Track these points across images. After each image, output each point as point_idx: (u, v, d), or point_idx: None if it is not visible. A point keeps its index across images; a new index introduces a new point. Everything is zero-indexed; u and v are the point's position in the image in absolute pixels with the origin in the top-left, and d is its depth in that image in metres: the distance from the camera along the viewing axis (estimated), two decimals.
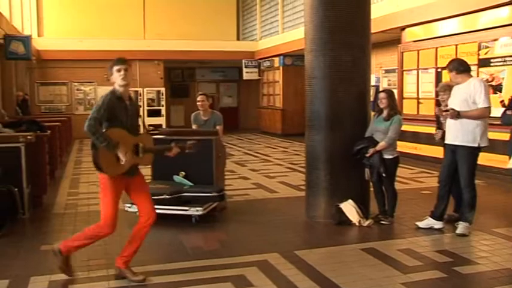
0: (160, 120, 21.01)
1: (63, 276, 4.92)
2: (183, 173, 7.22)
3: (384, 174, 6.56)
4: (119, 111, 4.62)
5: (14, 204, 6.93)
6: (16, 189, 6.98)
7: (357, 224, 6.57)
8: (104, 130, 4.52)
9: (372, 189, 6.95)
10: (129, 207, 6.92)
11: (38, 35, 21.48)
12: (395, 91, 8.62)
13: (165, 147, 5.12)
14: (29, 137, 7.42)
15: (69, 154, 15.16)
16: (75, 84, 21.37)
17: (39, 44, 19.88)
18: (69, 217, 7.34)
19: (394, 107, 6.73)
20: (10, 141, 7.34)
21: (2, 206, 6.61)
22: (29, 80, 20.13)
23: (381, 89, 14.13)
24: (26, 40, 15.62)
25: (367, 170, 6.70)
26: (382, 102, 6.68)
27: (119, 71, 4.66)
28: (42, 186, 8.22)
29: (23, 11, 19.78)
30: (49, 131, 9.53)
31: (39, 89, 20.95)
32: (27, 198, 7.31)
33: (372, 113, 7.05)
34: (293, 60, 20.34)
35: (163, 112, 21.40)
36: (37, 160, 7.91)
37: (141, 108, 21.02)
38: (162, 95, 21.52)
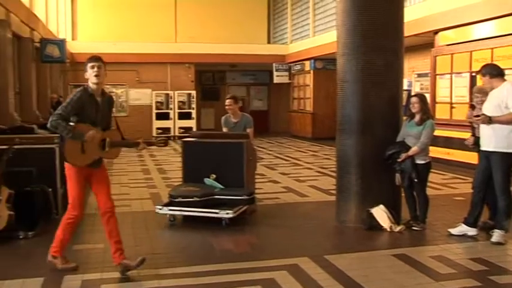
0: (191, 123, 21.15)
1: (96, 276, 5.00)
2: (214, 175, 7.24)
3: (415, 180, 6.48)
4: (88, 107, 4.89)
5: (48, 204, 7.04)
6: (50, 190, 7.10)
7: (388, 229, 6.49)
8: (72, 124, 4.77)
9: (403, 194, 6.86)
10: (160, 209, 6.98)
11: (72, 39, 21.88)
12: (427, 95, 8.50)
13: (133, 142, 5.26)
14: None
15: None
16: (107, 86, 21.54)
17: (73, 47, 20.23)
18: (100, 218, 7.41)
19: (427, 112, 6.63)
20: (45, 142, 7.46)
21: (36, 205, 6.72)
22: (63, 82, 20.49)
23: (413, 93, 13.97)
24: (60, 43, 15.93)
25: (397, 175, 6.62)
26: (414, 107, 6.60)
27: (92, 67, 4.91)
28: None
29: (58, 16, 20.16)
30: None
31: (72, 91, 21.28)
32: (61, 199, 7.43)
33: (404, 118, 6.97)
34: (324, 64, 20.27)
35: (193, 115, 21.53)
36: None
37: (172, 111, 21.22)
38: (193, 98, 21.66)
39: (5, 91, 10.49)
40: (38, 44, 14.87)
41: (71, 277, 4.95)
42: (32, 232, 6.34)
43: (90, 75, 4.92)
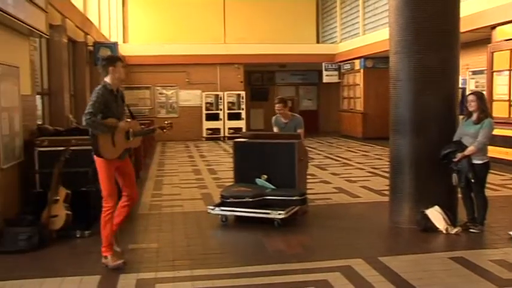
0: (241, 124, 21.22)
1: (150, 275, 5.07)
2: (265, 176, 7.23)
3: (472, 180, 6.28)
4: (110, 102, 5.24)
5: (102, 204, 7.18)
6: None
7: (444, 231, 6.32)
8: (102, 120, 5.15)
9: (460, 195, 6.67)
10: (212, 209, 7.02)
11: (124, 42, 22.31)
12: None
13: (150, 129, 6.09)
14: None
15: (152, 156, 15.61)
16: (158, 88, 22.01)
17: (124, 49, 20.61)
18: (154, 218, 7.54)
19: (485, 110, 6.41)
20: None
21: (92, 205, 6.87)
22: None
23: (467, 91, 13.59)
24: (113, 46, 16.27)
25: (454, 176, 6.43)
26: (471, 105, 6.40)
27: (123, 67, 5.45)
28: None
29: (110, 20, 20.61)
30: None
31: (123, 93, 21.71)
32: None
33: (460, 117, 6.78)
34: (374, 63, 19.97)
35: (243, 115, 21.60)
36: None
37: (221, 112, 21.36)
38: (242, 98, 21.73)
39: (61, 94, 10.78)
40: (91, 48, 15.23)
41: (127, 276, 5.04)
42: (88, 231, 6.49)
43: (121, 73, 5.36)
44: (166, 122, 5.85)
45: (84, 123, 5.11)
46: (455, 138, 6.49)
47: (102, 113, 5.13)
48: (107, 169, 5.25)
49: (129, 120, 5.54)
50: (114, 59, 5.47)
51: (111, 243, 5.35)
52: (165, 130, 5.80)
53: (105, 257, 5.31)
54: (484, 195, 6.43)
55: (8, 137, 6.75)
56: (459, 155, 6.29)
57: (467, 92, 13.32)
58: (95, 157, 5.27)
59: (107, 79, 5.30)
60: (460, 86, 13.60)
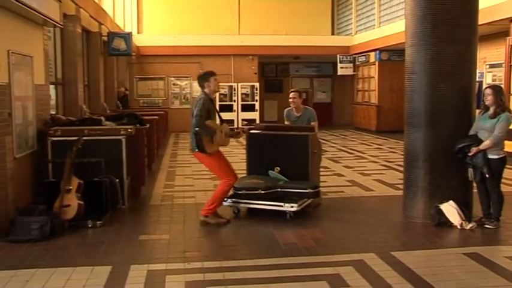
0: (254, 115, 21.12)
1: (161, 266, 5.06)
2: (278, 168, 7.19)
3: (487, 175, 6.18)
4: (211, 109, 6.48)
5: (115, 194, 7.20)
6: (117, 180, 7.24)
7: (459, 226, 6.24)
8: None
9: (475, 190, 6.58)
10: (224, 201, 6.98)
11: (138, 32, 22.29)
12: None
13: (235, 132, 6.99)
14: (129, 130, 7.67)
15: (165, 147, 15.61)
16: (172, 79, 21.98)
17: (139, 40, 20.62)
18: (166, 209, 7.53)
19: (502, 104, 6.28)
20: (112, 133, 7.62)
21: (104, 196, 6.88)
22: (129, 74, 20.95)
23: (484, 85, 13.41)
24: (127, 37, 16.24)
25: (470, 170, 6.34)
26: (488, 99, 6.29)
27: (216, 80, 6.60)
28: (140, 178, 8.49)
29: (125, 10, 20.60)
30: (148, 125, 9.81)
31: (137, 84, 21.75)
32: (127, 189, 7.58)
33: (477, 110, 6.67)
34: (390, 55, 19.77)
35: (257, 107, 21.52)
36: (136, 152, 8.18)
37: (235, 103, 21.31)
38: (256, 90, 21.64)
39: (75, 84, 10.78)
40: (105, 38, 15.23)
41: (138, 267, 5.03)
42: (100, 222, 6.50)
43: (216, 86, 6.62)
44: (242, 129, 7.25)
45: (195, 124, 6.24)
46: (471, 132, 6.39)
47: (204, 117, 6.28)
48: (217, 158, 6.56)
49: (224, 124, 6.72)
50: (207, 75, 6.59)
51: (215, 208, 6.58)
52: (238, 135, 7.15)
53: (206, 217, 6.52)
54: (500, 190, 6.34)
55: (21, 127, 6.76)
56: (474, 149, 6.20)
57: (484, 86, 13.16)
58: (198, 154, 6.49)
59: (206, 90, 6.53)
60: (477, 79, 13.49)
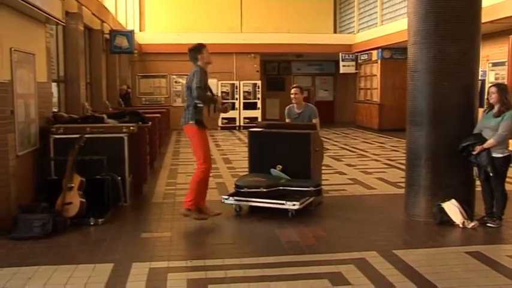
0: (256, 113, 21.14)
1: (162, 264, 5.06)
2: (280, 166, 7.18)
3: (491, 174, 6.17)
4: (206, 81, 6.30)
5: (117, 192, 7.20)
6: (119, 178, 7.25)
7: (461, 225, 6.23)
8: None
9: (478, 189, 6.56)
10: (226, 199, 6.99)
11: (140, 30, 22.29)
12: None
13: (224, 107, 6.77)
14: (131, 128, 7.67)
15: (167, 145, 15.61)
16: (174, 76, 21.97)
17: (141, 38, 20.61)
18: (168, 206, 7.53)
19: (507, 103, 6.24)
20: (114, 131, 7.62)
21: (106, 193, 6.88)
22: (131, 72, 20.95)
23: (487, 83, 13.40)
24: (129, 35, 16.23)
25: (475, 169, 6.33)
26: (492, 98, 6.27)
27: (208, 51, 6.45)
28: (142, 176, 8.49)
29: (127, 7, 20.59)
30: (150, 123, 9.80)
31: (140, 82, 21.75)
32: (129, 187, 7.58)
33: (480, 109, 6.65)
34: (392, 53, 19.76)
35: (259, 105, 21.52)
36: (138, 150, 8.18)
37: (237, 101, 21.30)
38: (258, 88, 21.63)
39: (77, 82, 10.78)
40: (107, 36, 15.23)
41: (139, 264, 5.04)
42: (102, 219, 6.50)
43: (208, 57, 6.46)
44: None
45: (196, 95, 6.12)
46: (476, 130, 6.38)
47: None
48: (202, 135, 6.28)
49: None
50: (199, 47, 6.42)
51: (197, 201, 6.33)
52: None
53: (188, 210, 6.30)
54: (504, 189, 6.32)
55: (23, 124, 6.76)
56: (478, 148, 6.19)
57: (487, 84, 13.14)
58: (191, 127, 6.26)
59: (199, 63, 6.37)
60: (480, 78, 13.46)
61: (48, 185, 6.93)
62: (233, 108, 21.33)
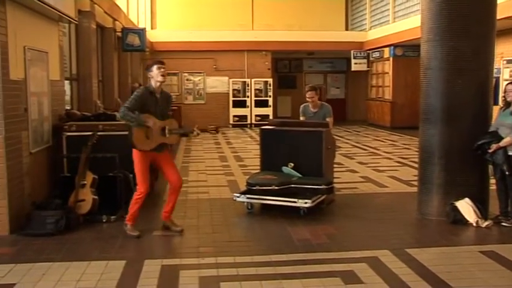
0: (267, 111, 21.12)
1: (175, 261, 5.09)
2: (292, 164, 7.16)
3: (507, 173, 6.10)
4: (149, 103, 5.80)
5: (129, 189, 7.21)
6: (131, 175, 7.25)
7: (474, 224, 6.19)
8: (137, 113, 5.68)
9: (492, 187, 6.51)
10: (238, 196, 6.99)
11: (151, 28, 22.31)
12: None
13: (188, 130, 6.29)
14: None
15: (179, 143, 15.63)
16: (185, 74, 22.00)
17: (152, 36, 20.63)
18: (179, 204, 7.44)
19: None
20: (126, 129, 7.60)
21: (119, 190, 6.91)
22: (142, 70, 20.98)
23: (501, 81, 13.29)
24: (141, 33, 16.27)
25: (491, 167, 6.27)
26: (510, 95, 6.21)
27: (159, 69, 5.83)
28: (154, 173, 8.46)
29: (139, 5, 20.64)
30: None
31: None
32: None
33: (494, 107, 6.59)
34: (404, 51, 19.63)
35: (270, 103, 21.49)
36: None
37: (249, 99, 21.28)
38: (270, 85, 21.61)
39: (89, 79, 10.84)
40: (119, 34, 15.28)
41: (152, 261, 5.06)
42: (114, 216, 6.53)
43: (157, 75, 5.83)
44: (210, 127, 6.34)
45: (118, 115, 5.87)
46: (491, 128, 6.32)
47: (139, 110, 5.69)
48: (140, 159, 5.83)
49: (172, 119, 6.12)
50: (150, 65, 5.95)
51: (134, 218, 5.97)
52: (207, 133, 6.24)
53: (126, 225, 5.96)
54: None
55: (37, 122, 6.80)
56: (494, 146, 6.13)
57: (501, 81, 13.02)
58: (133, 148, 5.85)
59: (151, 82, 5.94)
60: (494, 75, 13.33)
61: (61, 182, 6.97)
62: (244, 106, 21.36)
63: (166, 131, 5.91)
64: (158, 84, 5.88)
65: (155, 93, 5.90)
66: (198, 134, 6.21)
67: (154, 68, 5.84)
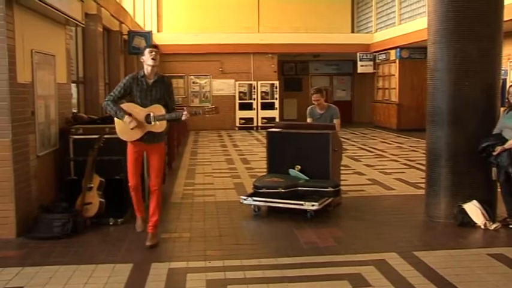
0: (274, 114, 21.12)
1: (182, 264, 5.08)
2: (299, 166, 7.15)
3: None
4: (136, 88, 5.57)
5: None
6: None
7: (482, 226, 6.15)
8: (118, 106, 5.52)
9: (500, 189, 6.47)
10: (245, 199, 6.99)
11: (158, 31, 22.38)
12: None
13: (177, 114, 5.69)
14: None
15: (185, 145, 15.67)
16: (191, 77, 22.04)
17: (158, 38, 20.69)
18: (186, 207, 7.54)
19: None
20: None
21: (126, 193, 6.90)
22: None
23: (508, 83, 13.23)
24: (147, 35, 16.36)
25: (494, 170, 6.24)
26: None
27: (150, 52, 5.56)
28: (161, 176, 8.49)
29: (145, 8, 20.71)
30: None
31: None
32: (148, 187, 7.59)
33: (502, 108, 6.57)
34: (410, 53, 19.60)
35: (276, 105, 21.49)
36: None
37: (255, 101, 21.28)
38: (276, 88, 21.61)
39: (96, 82, 10.89)
40: (125, 37, 15.34)
41: (159, 264, 5.06)
42: (121, 219, 6.53)
43: (147, 58, 5.55)
44: (206, 109, 5.80)
45: (102, 104, 5.66)
46: (495, 131, 6.29)
47: (129, 97, 5.61)
48: (130, 150, 5.68)
49: (157, 104, 5.61)
50: (146, 46, 5.75)
51: (138, 210, 5.91)
52: (207, 115, 5.79)
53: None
54: None
55: (44, 125, 6.82)
56: (498, 149, 6.10)
57: (508, 83, 12.96)
58: None
59: (144, 66, 5.65)
60: (501, 77, 13.26)
61: (68, 185, 6.98)
62: (251, 108, 21.37)
63: (151, 118, 5.53)
64: (150, 68, 5.59)
65: (146, 78, 5.61)
66: (186, 117, 5.61)
67: (146, 51, 5.59)
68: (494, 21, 6.46)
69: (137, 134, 5.56)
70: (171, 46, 20.94)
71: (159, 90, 5.65)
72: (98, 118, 8.69)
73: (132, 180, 5.69)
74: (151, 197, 5.82)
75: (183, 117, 5.63)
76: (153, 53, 5.56)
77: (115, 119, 5.60)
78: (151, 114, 5.53)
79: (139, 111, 5.54)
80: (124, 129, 5.58)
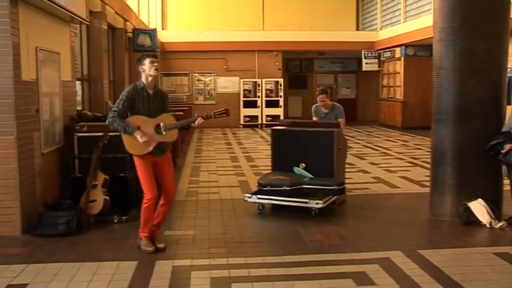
0: (278, 111, 21.10)
1: (186, 262, 5.07)
2: (303, 164, 7.14)
3: None
4: (138, 100, 5.34)
5: (140, 189, 7.20)
6: None
7: (488, 225, 6.13)
8: (125, 121, 5.28)
9: (505, 188, 6.44)
10: (249, 197, 6.98)
11: (162, 28, 22.37)
12: None
13: (188, 120, 5.58)
14: None
15: (190, 143, 15.67)
16: (196, 74, 22.05)
17: (163, 36, 20.70)
18: (190, 204, 7.54)
19: None
20: None
21: (130, 191, 6.91)
22: None
23: None
24: (152, 33, 16.34)
25: (504, 168, 6.21)
26: None
27: (152, 62, 5.36)
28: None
29: (150, 6, 20.70)
30: None
31: (162, 80, 21.85)
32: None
33: (509, 106, 6.53)
34: (415, 51, 19.55)
35: (281, 103, 21.47)
36: None
37: (259, 99, 21.26)
38: (281, 86, 21.59)
39: (101, 80, 10.88)
40: (130, 34, 15.34)
41: (163, 262, 5.05)
42: (126, 217, 6.53)
43: (150, 68, 5.34)
44: (216, 111, 5.68)
45: (107, 121, 5.41)
46: (504, 129, 6.26)
47: (131, 110, 5.34)
48: (141, 164, 5.38)
49: (166, 114, 5.49)
50: (142, 57, 5.44)
51: (149, 229, 5.47)
52: (210, 118, 5.62)
53: (140, 239, 5.49)
54: None
55: (48, 122, 6.83)
56: (507, 147, 6.07)
57: None
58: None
59: (142, 77, 5.44)
60: (507, 75, 13.19)
61: (72, 183, 6.99)
62: (255, 106, 21.36)
63: (162, 128, 5.36)
64: (150, 78, 5.39)
65: (146, 89, 5.40)
66: (200, 122, 5.51)
67: (147, 61, 5.34)
68: (501, 19, 6.43)
69: (149, 146, 5.31)
70: (176, 44, 20.95)
71: (160, 100, 5.50)
72: (102, 116, 8.68)
73: (151, 193, 5.37)
74: (163, 204, 5.59)
75: (196, 124, 5.50)
76: (156, 64, 5.40)
77: (123, 136, 5.35)
78: (161, 124, 5.36)
79: (147, 123, 5.34)
80: (134, 143, 5.29)
